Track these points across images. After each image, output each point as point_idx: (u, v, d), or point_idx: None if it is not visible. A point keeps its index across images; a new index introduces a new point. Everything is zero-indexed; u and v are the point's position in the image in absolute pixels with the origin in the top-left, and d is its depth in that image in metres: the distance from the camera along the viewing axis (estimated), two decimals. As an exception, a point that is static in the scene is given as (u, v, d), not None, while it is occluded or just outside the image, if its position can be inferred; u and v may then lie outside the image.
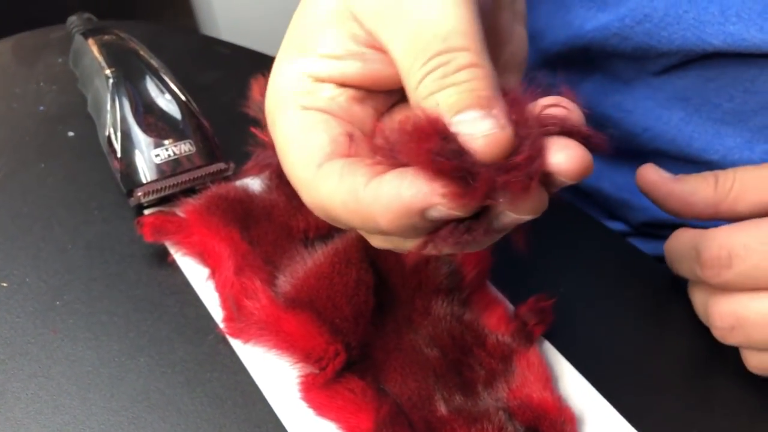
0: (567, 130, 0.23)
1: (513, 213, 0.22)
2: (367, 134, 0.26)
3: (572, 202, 0.45)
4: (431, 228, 0.23)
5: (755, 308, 0.32)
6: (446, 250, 0.24)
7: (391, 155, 0.22)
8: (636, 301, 0.40)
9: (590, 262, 0.41)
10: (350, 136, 0.24)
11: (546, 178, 0.22)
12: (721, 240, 0.32)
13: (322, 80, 0.26)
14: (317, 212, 0.25)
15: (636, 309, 0.39)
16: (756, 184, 0.35)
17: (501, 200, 0.21)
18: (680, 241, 0.36)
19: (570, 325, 0.37)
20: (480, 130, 0.21)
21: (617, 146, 0.47)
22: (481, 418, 0.31)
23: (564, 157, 0.22)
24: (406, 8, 0.24)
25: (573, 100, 0.23)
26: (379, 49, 0.25)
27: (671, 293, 0.39)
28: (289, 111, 0.25)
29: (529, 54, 0.49)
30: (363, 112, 0.26)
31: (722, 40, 0.38)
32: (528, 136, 0.21)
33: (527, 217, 0.23)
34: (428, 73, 0.22)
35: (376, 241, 0.27)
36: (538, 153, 0.21)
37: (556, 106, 0.23)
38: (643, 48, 0.41)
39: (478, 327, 0.34)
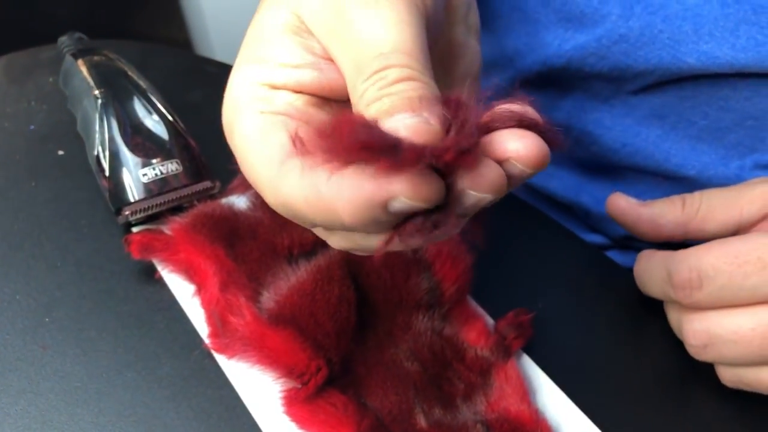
0: (525, 125, 0.24)
1: (472, 191, 0.22)
2: None
3: (551, 216, 0.46)
4: (395, 221, 0.23)
5: (726, 326, 0.33)
6: (413, 244, 0.25)
7: (330, 155, 0.22)
8: (613, 314, 0.41)
9: (569, 276, 0.42)
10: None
11: (505, 166, 0.23)
12: (691, 262, 0.33)
13: (278, 88, 0.26)
14: (280, 211, 0.25)
15: (613, 323, 0.40)
16: (722, 204, 0.36)
17: (441, 166, 0.21)
18: (650, 263, 0.37)
19: (548, 338, 0.38)
20: (405, 123, 0.22)
21: (596, 161, 0.48)
22: (460, 430, 0.32)
23: (521, 145, 0.23)
24: (354, 27, 0.25)
25: (527, 103, 0.24)
26: (333, 61, 0.26)
27: (648, 307, 0.40)
28: (246, 116, 0.26)
29: (508, 73, 0.50)
30: (320, 116, 0.27)
31: (696, 58, 0.39)
32: (461, 125, 0.22)
33: (488, 196, 0.23)
34: (368, 87, 0.23)
35: (337, 240, 0.27)
36: (470, 134, 0.22)
37: (511, 105, 0.24)
38: (620, 68, 0.42)
39: (458, 341, 0.35)
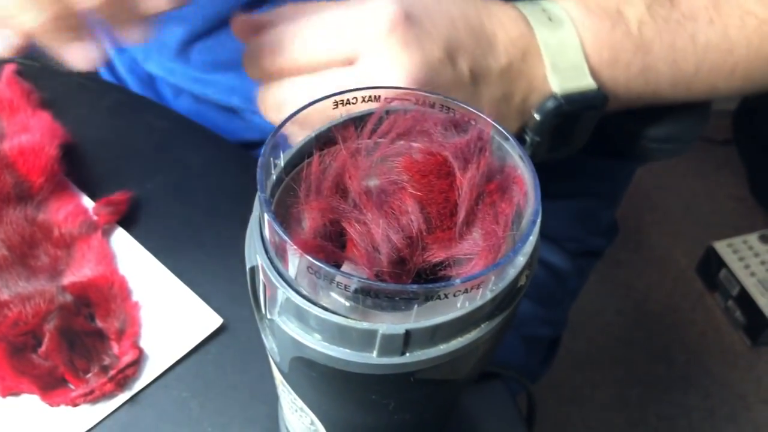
0: None
1: None
2: None
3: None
4: None
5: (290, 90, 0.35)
6: None
7: None
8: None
9: (177, 159, 0.47)
10: None
11: None
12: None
13: None
14: None
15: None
16: None
17: None
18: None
19: (152, 215, 0.43)
20: None
21: None
22: (37, 296, 0.37)
23: None
24: None
25: None
26: None
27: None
28: None
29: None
30: None
31: None
32: None
33: None
34: None
35: None
36: None
37: None
38: None
39: (50, 225, 0.40)
